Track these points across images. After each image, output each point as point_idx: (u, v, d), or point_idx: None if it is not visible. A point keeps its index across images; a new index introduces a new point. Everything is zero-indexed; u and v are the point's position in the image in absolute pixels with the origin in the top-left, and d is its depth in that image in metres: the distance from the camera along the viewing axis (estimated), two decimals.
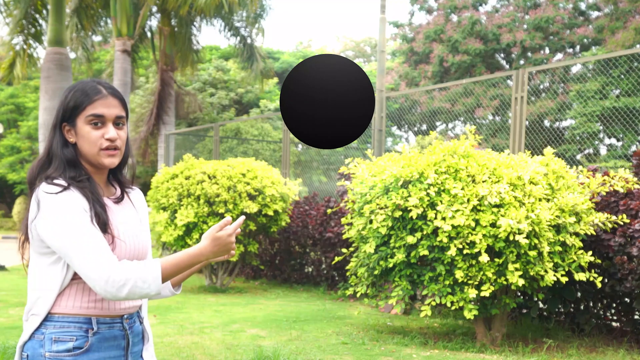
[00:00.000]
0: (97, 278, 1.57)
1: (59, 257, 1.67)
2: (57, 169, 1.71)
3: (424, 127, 18.39)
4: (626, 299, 5.54)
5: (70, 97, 1.74)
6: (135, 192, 1.91)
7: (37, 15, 11.81)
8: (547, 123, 16.61)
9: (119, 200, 1.81)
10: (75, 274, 1.69)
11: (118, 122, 1.75)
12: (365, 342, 5.35)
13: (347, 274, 6.11)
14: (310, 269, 9.09)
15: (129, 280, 1.58)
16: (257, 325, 6.10)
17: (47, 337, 1.67)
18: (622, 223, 5.15)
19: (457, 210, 4.91)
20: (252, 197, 7.98)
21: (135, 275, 1.58)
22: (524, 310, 6.11)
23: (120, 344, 1.75)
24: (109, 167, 1.76)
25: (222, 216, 7.86)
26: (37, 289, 1.70)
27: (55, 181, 1.67)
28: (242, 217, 1.74)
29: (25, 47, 11.87)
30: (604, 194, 5.44)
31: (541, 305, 5.96)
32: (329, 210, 7.73)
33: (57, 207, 1.62)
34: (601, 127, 14.96)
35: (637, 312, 5.54)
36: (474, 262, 4.92)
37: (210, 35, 73.17)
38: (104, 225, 1.67)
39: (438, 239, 4.95)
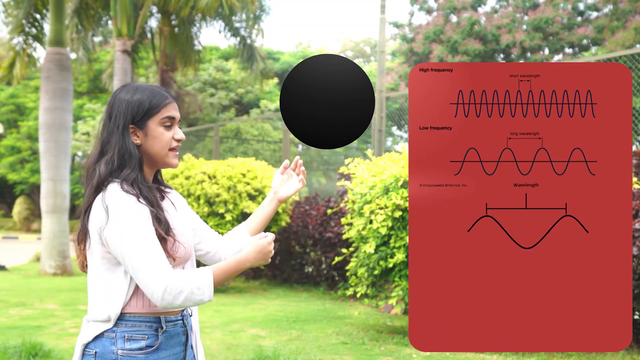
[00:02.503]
0: (155, 288, 1.63)
1: None
2: (134, 170, 1.75)
3: None
4: None
5: (142, 99, 1.78)
6: (172, 193, 1.96)
7: (38, 16, 11.80)
8: None
9: (162, 200, 1.86)
10: None
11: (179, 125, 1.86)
12: (365, 342, 5.35)
13: (347, 274, 6.11)
14: (310, 269, 9.09)
15: (186, 288, 1.64)
16: (257, 325, 6.11)
17: (119, 336, 1.72)
18: None
19: None
20: (252, 197, 7.98)
21: (191, 284, 1.65)
22: None
23: (181, 339, 1.82)
24: (174, 167, 1.84)
25: (222, 216, 7.87)
26: (104, 290, 1.73)
27: (126, 187, 1.71)
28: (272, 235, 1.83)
29: (25, 47, 11.87)
30: None
31: None
32: (329, 211, 7.73)
33: (125, 217, 1.67)
34: None
35: (636, 312, 5.54)
36: None
37: (210, 35, 73.17)
38: (167, 231, 1.73)
39: None
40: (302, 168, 2.07)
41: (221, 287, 8.50)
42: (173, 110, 1.81)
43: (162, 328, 1.76)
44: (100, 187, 1.74)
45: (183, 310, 1.85)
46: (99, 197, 1.71)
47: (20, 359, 4.54)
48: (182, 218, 1.90)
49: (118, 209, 1.67)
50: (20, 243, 20.03)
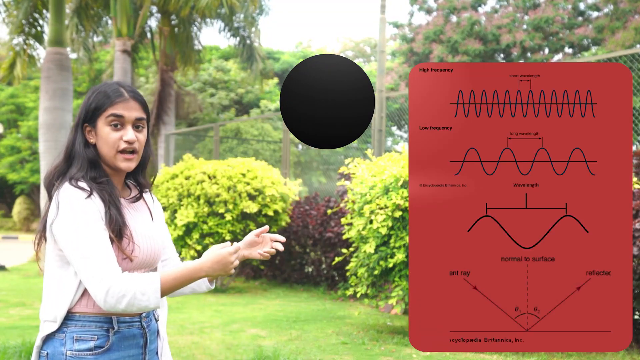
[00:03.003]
0: (98, 289, 1.60)
1: None
2: (81, 168, 1.73)
3: None
4: None
5: (93, 98, 1.76)
6: (152, 197, 1.93)
7: (38, 16, 11.80)
8: None
9: (134, 202, 1.83)
10: None
11: (138, 125, 1.77)
12: (365, 342, 5.35)
13: (347, 274, 6.11)
14: (310, 269, 9.09)
15: (129, 292, 1.60)
16: (257, 325, 6.11)
17: (69, 336, 1.69)
18: None
19: None
20: (252, 197, 7.98)
21: (135, 288, 1.60)
22: None
23: (138, 342, 1.78)
24: (125, 170, 1.78)
25: (222, 216, 7.87)
26: (56, 288, 1.71)
27: (80, 184, 1.69)
28: (237, 245, 1.75)
29: (25, 47, 11.87)
30: None
31: None
32: (329, 211, 7.73)
33: (73, 214, 1.64)
34: None
35: (636, 312, 5.54)
36: None
37: (210, 35, 73.14)
38: (119, 230, 1.69)
39: None
40: (276, 245, 1.93)
41: (221, 287, 8.49)
42: (122, 109, 1.74)
43: (113, 328, 1.72)
44: (51, 185, 1.74)
45: (142, 313, 1.79)
46: (54, 195, 1.71)
47: (20, 359, 4.54)
48: (148, 217, 1.85)
49: (66, 206, 1.65)
50: (20, 243, 20.03)
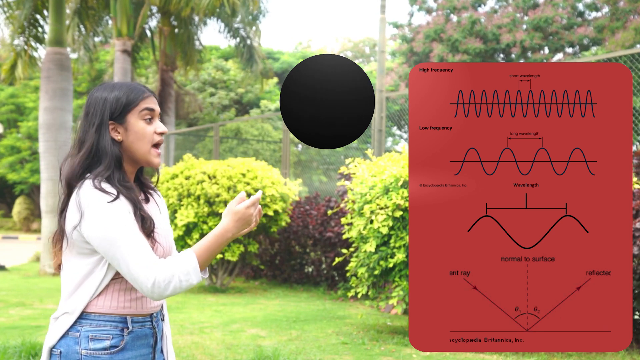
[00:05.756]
0: (145, 280, 1.62)
1: (101, 258, 1.69)
2: (108, 167, 1.71)
3: None
4: None
5: (119, 94, 1.74)
6: (156, 194, 1.94)
7: (38, 16, 11.81)
8: None
9: (145, 202, 1.84)
10: (116, 274, 1.71)
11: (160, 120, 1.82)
12: (365, 342, 5.35)
13: (347, 274, 6.11)
14: (310, 269, 9.09)
15: (174, 276, 1.62)
16: (257, 325, 6.11)
17: (83, 335, 1.69)
18: None
19: None
20: None
21: (178, 271, 1.63)
22: None
23: (149, 341, 1.79)
24: (156, 166, 1.79)
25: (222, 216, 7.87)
26: (74, 288, 1.72)
27: (104, 186, 1.68)
28: (260, 192, 1.75)
29: (26, 48, 11.87)
30: None
31: None
32: (329, 211, 7.73)
33: (105, 214, 1.64)
34: None
35: (636, 312, 5.54)
36: None
37: (210, 35, 73.17)
38: (150, 231, 1.71)
39: None
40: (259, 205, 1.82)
41: (221, 287, 8.50)
42: (152, 103, 1.77)
43: (128, 328, 1.73)
44: (71, 185, 1.71)
45: (153, 313, 1.81)
46: (73, 195, 1.69)
47: (20, 359, 4.54)
48: (165, 219, 1.88)
49: (96, 206, 1.64)
50: (20, 243, 20.03)
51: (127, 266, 1.62)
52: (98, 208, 1.64)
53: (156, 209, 1.87)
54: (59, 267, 1.81)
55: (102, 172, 1.70)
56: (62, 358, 1.69)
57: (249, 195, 7.41)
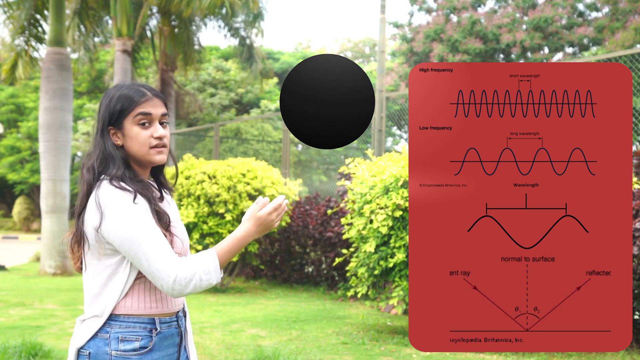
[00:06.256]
0: (166, 277, 1.64)
1: (123, 258, 1.72)
2: (119, 167, 1.75)
3: None
4: None
5: (116, 100, 1.77)
6: (169, 195, 1.97)
7: (38, 16, 11.81)
8: None
9: (160, 200, 1.86)
10: (138, 274, 1.73)
11: (162, 121, 1.81)
12: (365, 342, 5.35)
13: (347, 274, 6.11)
14: (310, 269, 9.09)
15: (195, 275, 1.65)
16: (257, 325, 6.11)
17: (113, 337, 1.71)
18: None
19: None
20: (252, 197, 7.98)
21: (199, 269, 1.66)
22: None
23: (175, 341, 1.82)
24: (159, 163, 1.81)
25: (222, 216, 7.87)
26: (99, 290, 1.74)
27: (122, 184, 1.71)
28: (282, 197, 1.77)
29: (26, 48, 11.87)
30: None
31: None
32: (329, 211, 7.73)
33: (126, 213, 1.67)
34: None
35: (636, 312, 5.54)
36: None
37: (210, 35, 73.16)
38: (167, 225, 1.74)
39: None
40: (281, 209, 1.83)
41: (221, 287, 8.50)
42: (149, 107, 1.78)
43: (156, 329, 1.75)
44: (90, 189, 1.74)
45: (178, 312, 1.84)
46: (92, 196, 1.72)
47: (20, 359, 4.54)
48: (175, 214, 1.91)
49: (115, 205, 1.67)
50: (20, 243, 20.03)
51: (148, 263, 1.65)
52: (118, 207, 1.67)
53: (170, 206, 1.90)
54: (79, 269, 1.83)
55: (115, 173, 1.74)
56: (91, 359, 1.72)
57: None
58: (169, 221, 1.75)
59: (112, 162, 1.76)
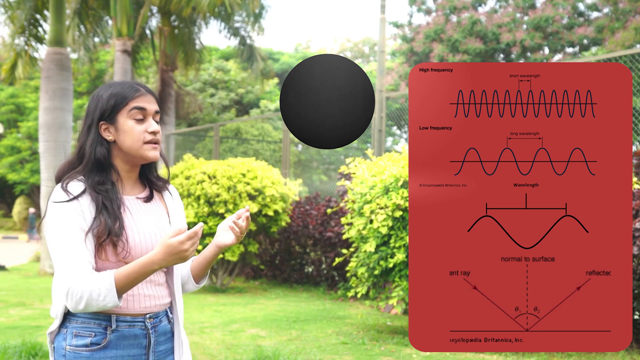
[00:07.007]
0: (64, 287, 1.64)
1: None
2: (82, 170, 1.74)
3: None
4: None
5: (110, 95, 1.76)
6: (168, 193, 1.93)
7: (38, 16, 11.81)
8: None
9: (147, 200, 1.83)
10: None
11: (155, 120, 1.81)
12: (365, 342, 5.35)
13: (347, 274, 6.11)
14: (310, 269, 9.09)
15: (85, 293, 1.61)
16: (257, 325, 6.11)
17: (69, 332, 1.73)
18: None
19: None
20: (252, 197, 7.98)
21: (90, 288, 1.62)
22: None
23: (141, 342, 1.78)
24: (152, 160, 1.79)
25: (222, 216, 7.87)
26: (56, 288, 1.76)
27: (69, 186, 1.70)
28: (201, 225, 1.70)
29: (26, 48, 11.87)
30: None
31: None
32: (329, 211, 7.72)
33: (53, 215, 1.68)
34: None
35: (636, 312, 5.54)
36: None
37: (210, 35, 73.15)
38: (107, 233, 1.69)
39: None
40: (243, 222, 1.89)
41: (221, 287, 8.50)
42: (144, 102, 1.77)
43: (111, 327, 1.73)
44: (58, 183, 1.77)
45: (147, 314, 1.79)
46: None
47: (20, 359, 4.54)
48: (159, 215, 1.85)
49: (49, 207, 1.70)
50: (20, 243, 20.03)
51: (56, 268, 1.67)
52: (50, 208, 1.69)
53: (158, 208, 1.86)
54: None
55: (72, 174, 1.74)
56: (55, 353, 1.75)
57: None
58: (117, 231, 1.69)
59: (83, 161, 1.75)
